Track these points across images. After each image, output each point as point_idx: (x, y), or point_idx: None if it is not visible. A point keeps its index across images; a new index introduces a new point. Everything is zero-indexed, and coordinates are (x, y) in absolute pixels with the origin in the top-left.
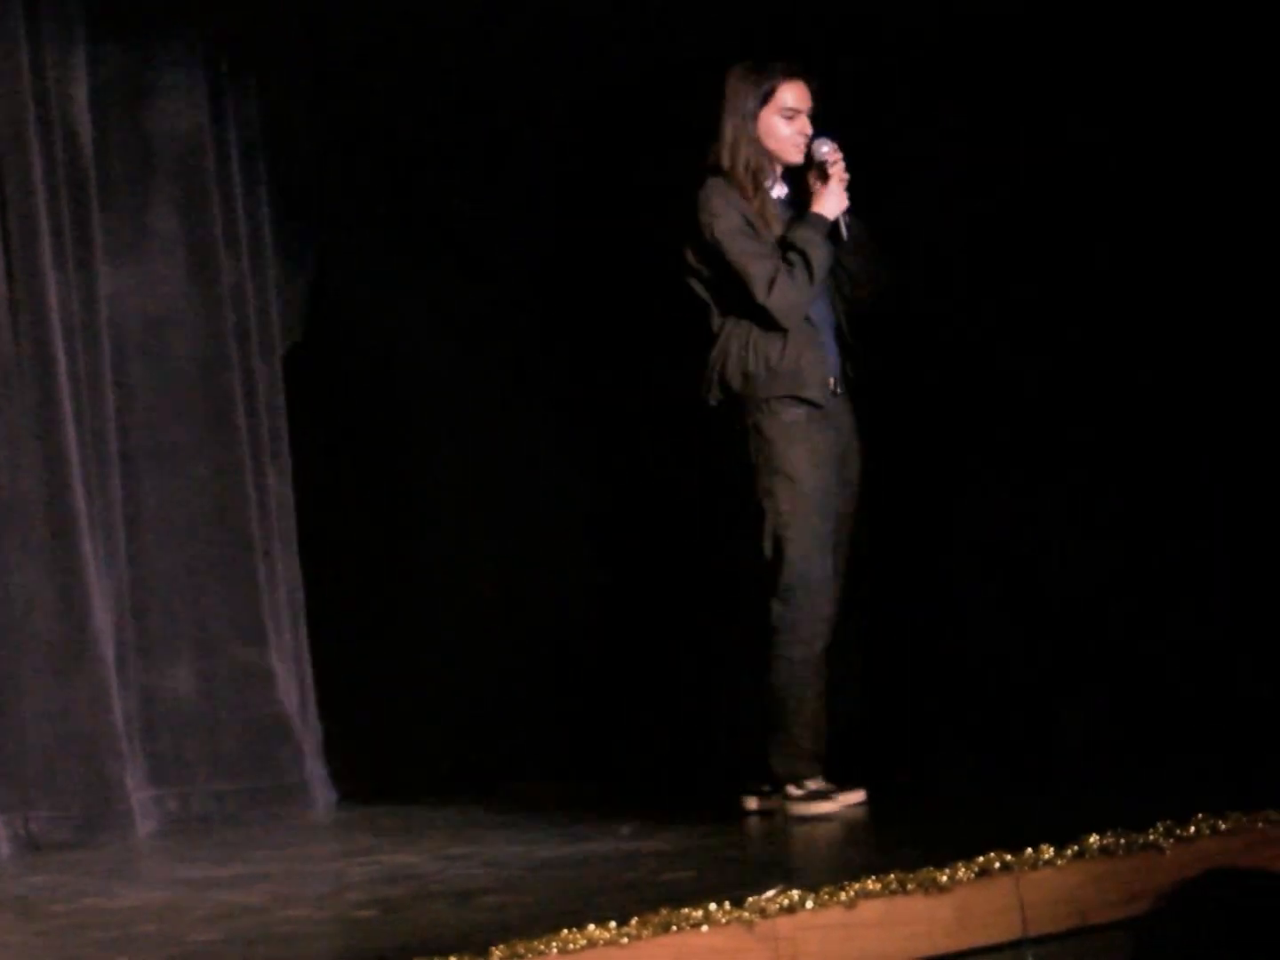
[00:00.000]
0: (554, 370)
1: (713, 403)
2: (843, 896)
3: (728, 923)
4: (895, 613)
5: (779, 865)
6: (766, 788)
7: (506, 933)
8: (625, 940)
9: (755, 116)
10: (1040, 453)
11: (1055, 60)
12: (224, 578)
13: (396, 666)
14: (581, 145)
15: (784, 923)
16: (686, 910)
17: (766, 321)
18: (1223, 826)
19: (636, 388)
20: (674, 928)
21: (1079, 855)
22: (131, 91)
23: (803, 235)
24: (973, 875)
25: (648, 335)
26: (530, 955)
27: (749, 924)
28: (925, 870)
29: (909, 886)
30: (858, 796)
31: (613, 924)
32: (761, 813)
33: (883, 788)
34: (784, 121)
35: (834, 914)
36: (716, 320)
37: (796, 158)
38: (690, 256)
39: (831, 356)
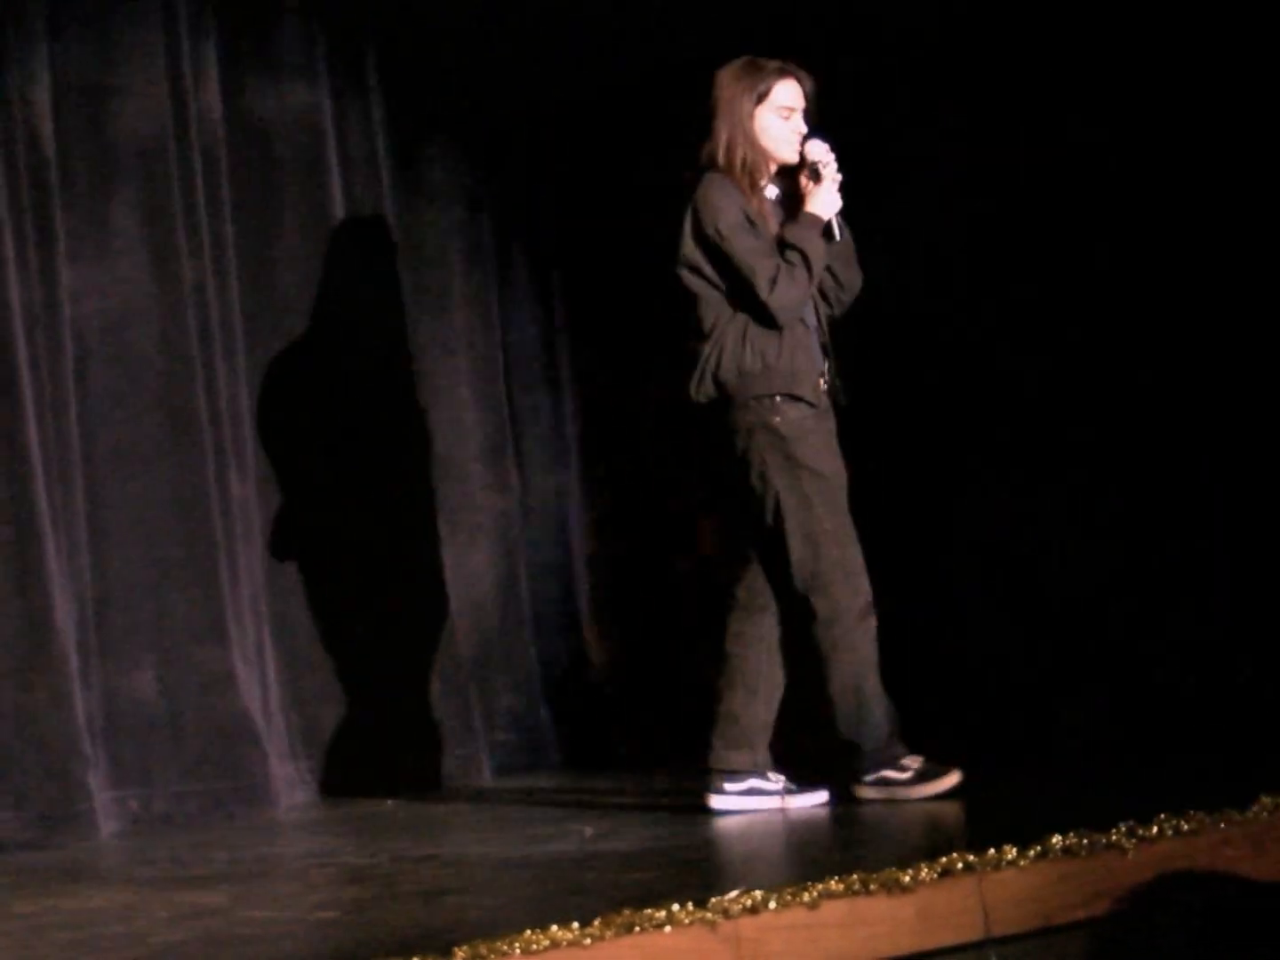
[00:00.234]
0: (553, 370)
1: (701, 399)
2: (805, 897)
3: (691, 923)
4: (895, 613)
5: (741, 866)
6: (868, 777)
7: (470, 933)
8: (588, 941)
9: (751, 115)
10: (1040, 453)
11: (1055, 60)
12: (186, 578)
13: (360, 667)
14: (581, 145)
15: (747, 923)
16: (649, 911)
17: (765, 319)
18: (1185, 827)
19: (636, 387)
20: (637, 928)
21: (1041, 856)
22: (93, 92)
23: (799, 234)
24: (935, 876)
25: (647, 335)
26: (493, 956)
27: (712, 925)
28: (888, 870)
29: (871, 887)
30: (957, 777)
31: (576, 925)
32: (879, 801)
33: None
34: (779, 120)
35: (797, 914)
36: (710, 316)
37: (792, 156)
38: (688, 250)
39: (819, 358)
